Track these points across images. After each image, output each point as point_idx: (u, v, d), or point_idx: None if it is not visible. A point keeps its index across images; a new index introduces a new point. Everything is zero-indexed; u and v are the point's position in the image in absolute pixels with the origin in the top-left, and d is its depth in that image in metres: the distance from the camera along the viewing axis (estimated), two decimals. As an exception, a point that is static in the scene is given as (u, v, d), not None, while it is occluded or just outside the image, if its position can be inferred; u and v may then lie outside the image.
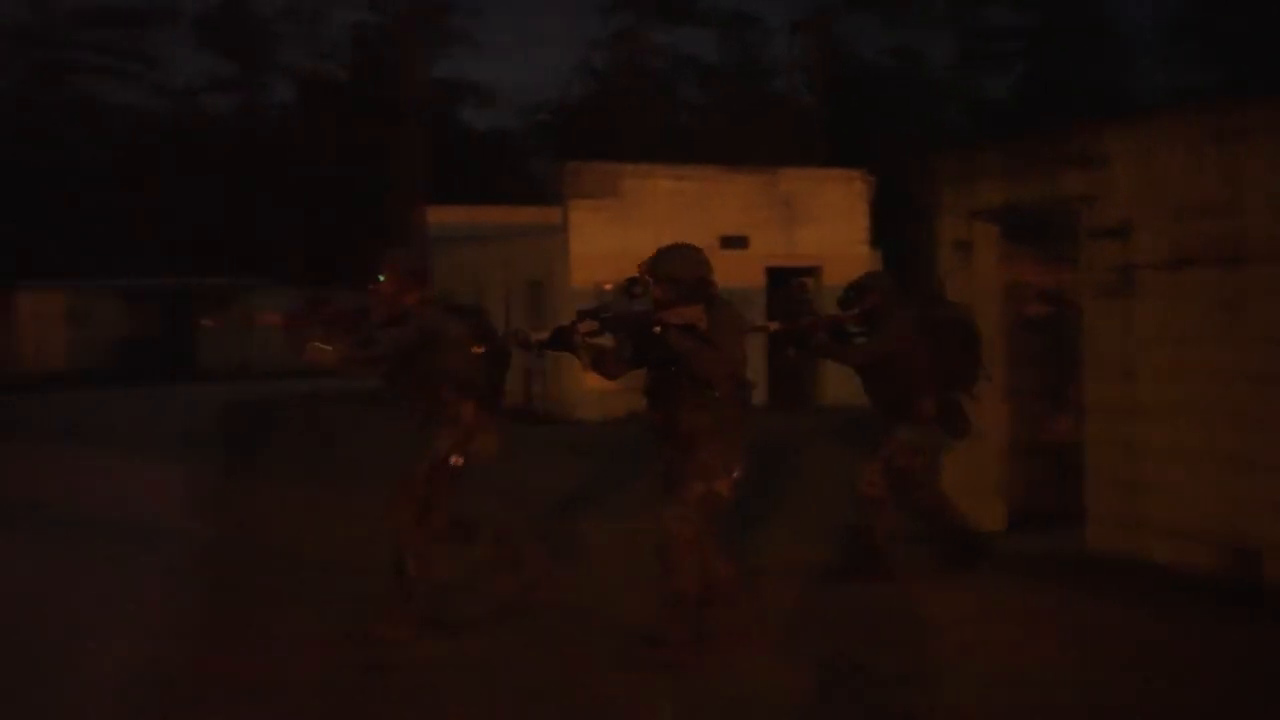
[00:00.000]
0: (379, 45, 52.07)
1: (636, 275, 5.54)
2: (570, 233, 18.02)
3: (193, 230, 45.98)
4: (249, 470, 12.81)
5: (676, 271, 5.54)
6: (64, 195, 43.34)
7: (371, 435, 14.91)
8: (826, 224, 19.15)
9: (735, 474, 5.56)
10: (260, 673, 5.64)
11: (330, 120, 49.17)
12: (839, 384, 16.15)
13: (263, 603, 6.95)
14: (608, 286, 17.66)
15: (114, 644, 6.18)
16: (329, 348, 5.95)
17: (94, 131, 49.73)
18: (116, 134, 50.11)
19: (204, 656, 5.92)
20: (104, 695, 5.32)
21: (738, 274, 18.14)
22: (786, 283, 18.67)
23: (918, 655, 5.87)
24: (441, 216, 23.45)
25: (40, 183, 44.19)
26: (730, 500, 5.56)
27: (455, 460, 6.05)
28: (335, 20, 70.13)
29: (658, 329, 5.42)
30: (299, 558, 8.18)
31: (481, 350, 6.10)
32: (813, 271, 18.84)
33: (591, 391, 15.75)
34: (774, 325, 7.86)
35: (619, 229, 17.67)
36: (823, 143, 43.84)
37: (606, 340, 5.67)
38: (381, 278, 6.21)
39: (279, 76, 54.65)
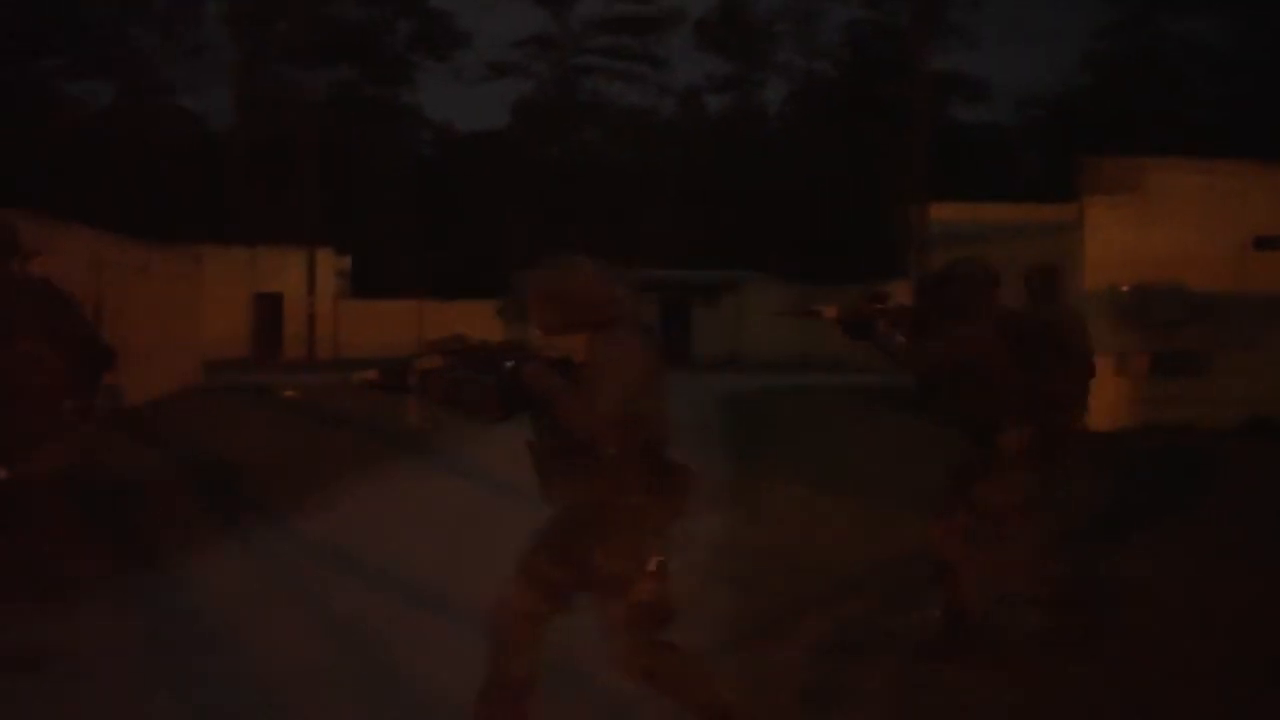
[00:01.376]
0: (875, 42, 52.10)
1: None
2: (1086, 231, 17.11)
3: (687, 223, 47.88)
4: (756, 465, 12.91)
5: (562, 286, 4.32)
6: (578, 191, 46.35)
7: (885, 439, 14.77)
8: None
9: (652, 566, 4.23)
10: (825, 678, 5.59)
11: (824, 117, 49.72)
12: None
13: (787, 607, 6.86)
14: (1124, 288, 16.78)
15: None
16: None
17: (606, 131, 52.95)
18: (626, 134, 53.06)
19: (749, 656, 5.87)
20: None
21: (1273, 277, 16.71)
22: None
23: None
24: (943, 214, 23.05)
25: (555, 178, 47.49)
26: (660, 601, 4.25)
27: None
28: (831, 18, 70.80)
29: (509, 364, 4.28)
30: (814, 561, 8.05)
31: None
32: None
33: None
34: (831, 310, 6.17)
35: (1139, 228, 16.62)
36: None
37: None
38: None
39: (775, 75, 55.92)
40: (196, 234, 35.29)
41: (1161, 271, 16.57)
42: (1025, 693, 5.36)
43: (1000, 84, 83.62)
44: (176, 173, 44.73)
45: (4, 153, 30.09)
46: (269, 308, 37.40)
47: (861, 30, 52.70)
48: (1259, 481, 11.86)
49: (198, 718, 5.15)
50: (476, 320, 39.86)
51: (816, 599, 7.01)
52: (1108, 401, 14.75)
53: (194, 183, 45.40)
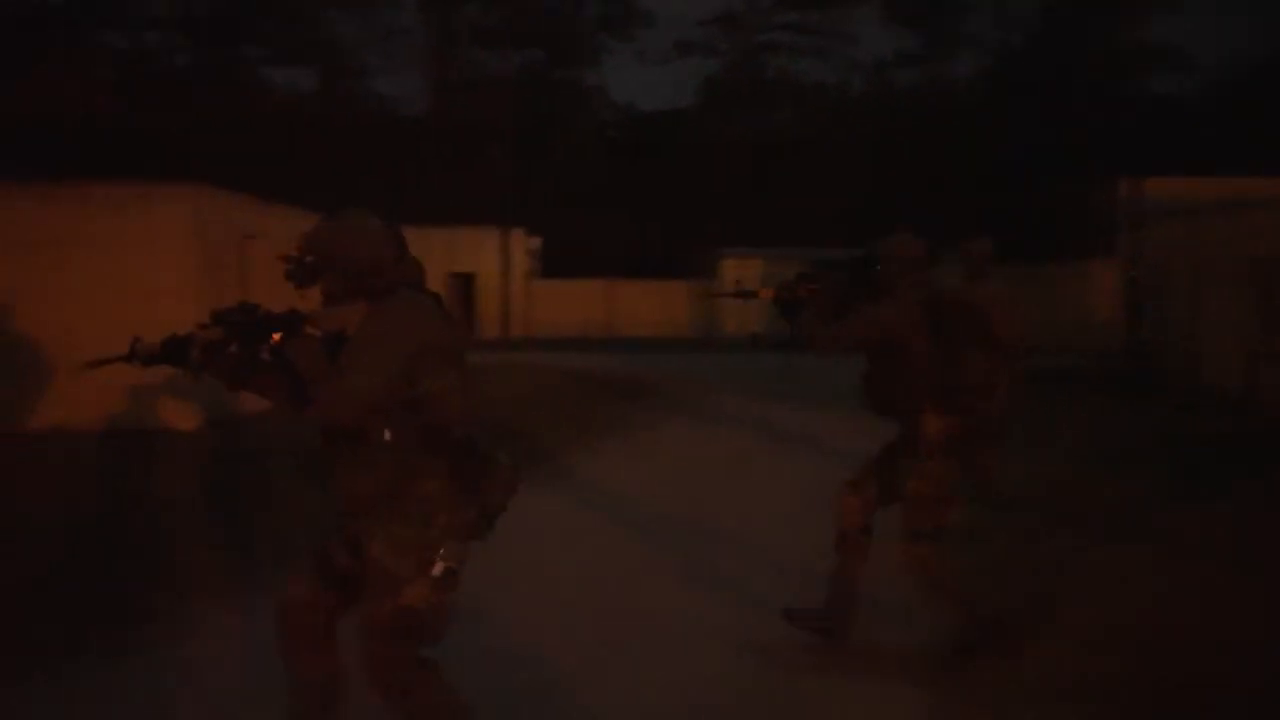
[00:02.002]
0: (1066, 13, 50.40)
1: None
2: (1318, 206, 16.27)
3: (875, 200, 47.15)
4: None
5: (340, 249, 3.80)
6: (764, 167, 46.08)
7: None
8: None
9: (437, 570, 3.77)
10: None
11: (1017, 90, 48.35)
12: None
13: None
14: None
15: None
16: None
17: (793, 108, 52.50)
18: (812, 110, 52.54)
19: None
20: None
21: None
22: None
23: None
24: (1161, 189, 22.10)
25: (742, 156, 47.25)
26: (434, 612, 3.79)
27: None
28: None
29: (276, 337, 3.73)
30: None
31: None
32: None
33: None
34: (767, 292, 5.77)
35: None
36: None
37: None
38: None
39: (965, 48, 54.60)
40: (392, 216, 36.15)
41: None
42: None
43: (1200, 54, 79.97)
44: (373, 156, 45.92)
45: (212, 138, 31.29)
46: (462, 287, 38.16)
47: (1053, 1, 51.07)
48: None
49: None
50: (664, 298, 40.07)
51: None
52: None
53: (389, 166, 46.56)
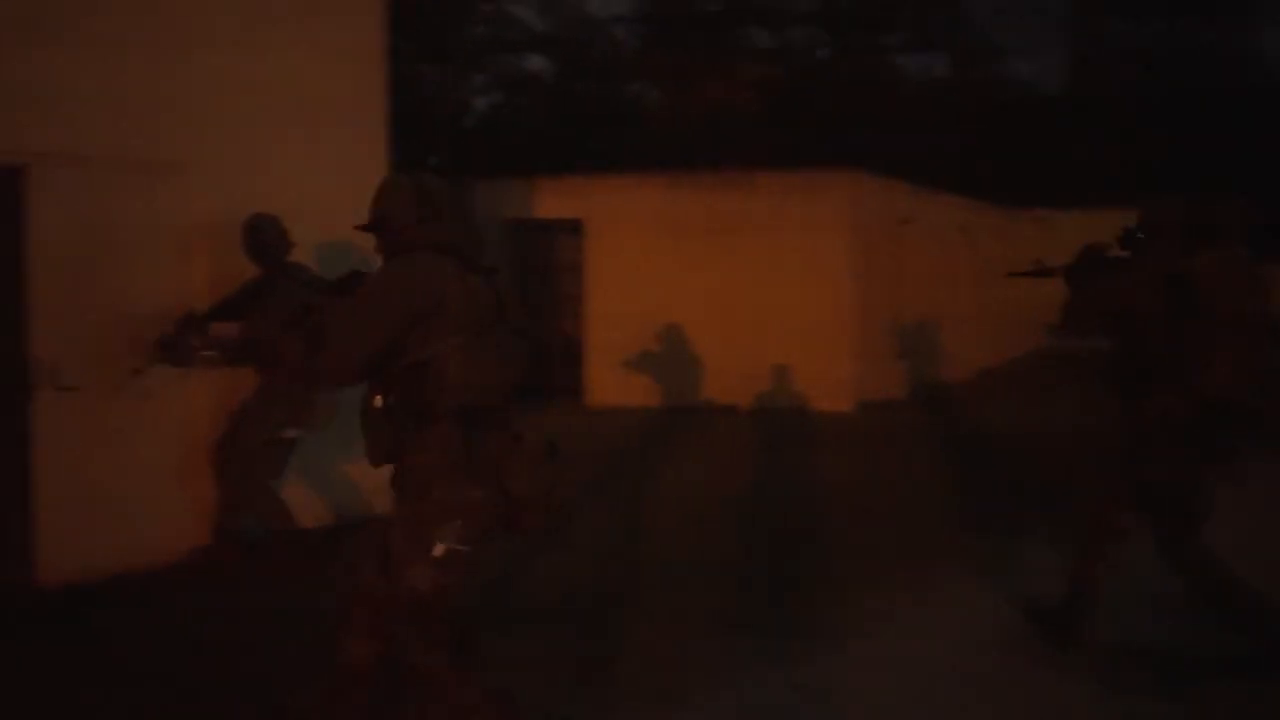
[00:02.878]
0: None
1: None
2: None
3: None
4: None
5: (375, 206, 3.86)
6: None
7: None
8: None
9: (438, 551, 3.52)
10: None
11: None
12: None
13: None
14: None
15: None
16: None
17: None
18: None
19: None
20: None
21: None
22: None
23: None
24: None
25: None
26: (438, 596, 3.56)
27: None
28: None
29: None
30: None
31: None
32: None
33: None
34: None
35: None
36: None
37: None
38: None
39: None
40: (1029, 197, 35.41)
41: None
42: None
43: None
44: (1010, 137, 45.20)
45: (856, 127, 32.14)
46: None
47: None
48: None
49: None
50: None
51: None
52: None
53: (1026, 146, 45.59)
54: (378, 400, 3.65)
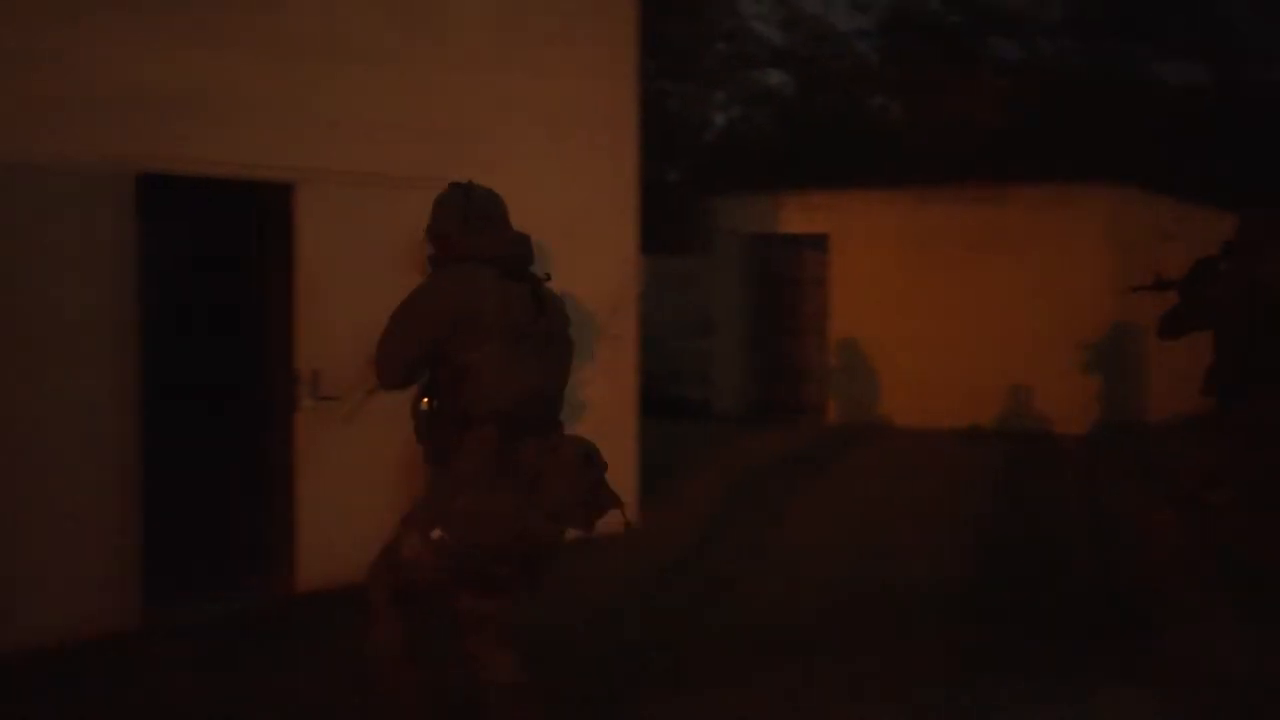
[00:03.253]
0: None
1: None
2: None
3: None
4: None
5: (434, 218, 4.11)
6: None
7: None
8: None
9: (434, 534, 3.76)
10: None
11: None
12: None
13: None
14: None
15: None
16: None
17: None
18: None
19: None
20: None
21: None
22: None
23: None
24: None
25: None
26: (416, 567, 3.84)
27: None
28: None
29: None
30: None
31: None
32: None
33: None
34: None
35: None
36: None
37: None
38: None
39: None
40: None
41: None
42: None
43: None
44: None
45: (1111, 138, 30.80)
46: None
47: None
48: None
49: None
50: None
51: None
52: None
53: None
54: (424, 404, 3.89)
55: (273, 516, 6.77)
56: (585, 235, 7.92)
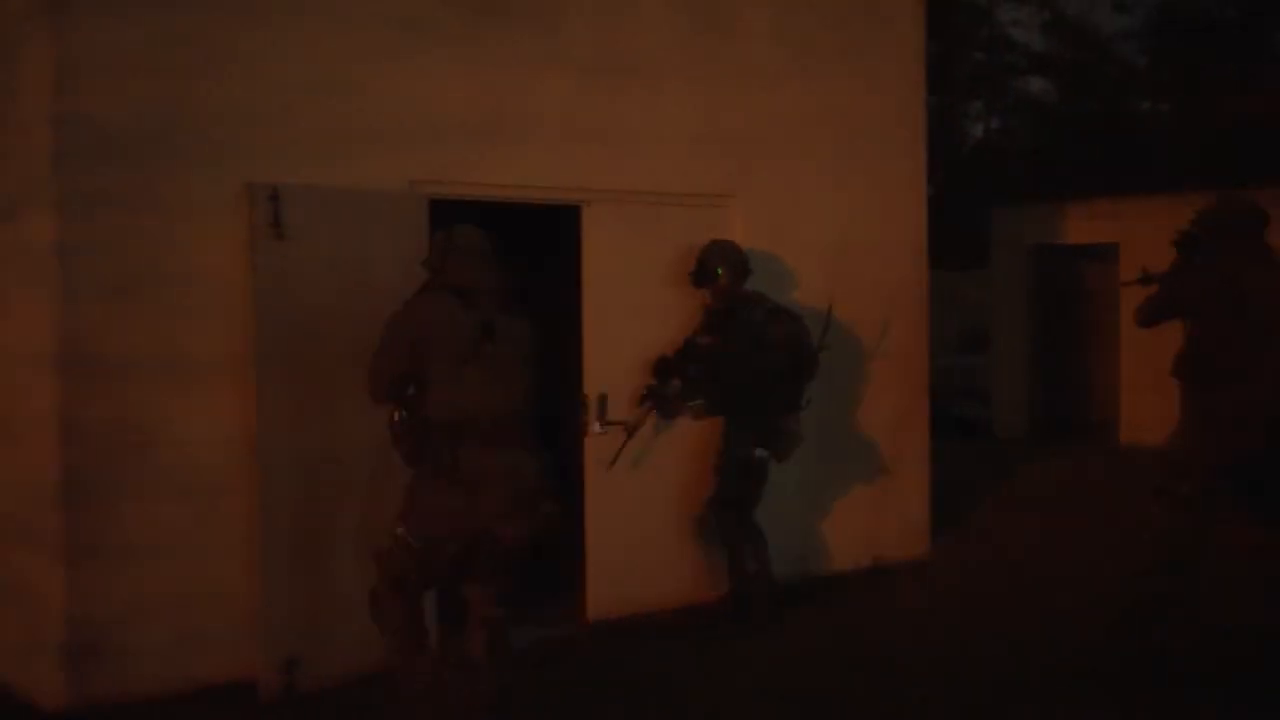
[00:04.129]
0: None
1: None
2: None
3: None
4: None
5: (427, 253, 4.80)
6: None
7: None
8: None
9: (399, 529, 4.48)
10: None
11: None
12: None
13: None
14: None
15: None
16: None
17: None
18: None
19: None
20: None
21: None
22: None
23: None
24: None
25: None
26: (388, 557, 4.50)
27: None
28: None
29: None
30: None
31: None
32: None
33: None
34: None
35: None
36: None
37: None
38: None
39: None
40: None
41: None
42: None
43: None
44: None
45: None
46: None
47: None
48: None
49: None
50: None
51: None
52: None
53: None
54: (395, 415, 4.45)
55: (563, 545, 6.62)
56: (868, 249, 7.64)
